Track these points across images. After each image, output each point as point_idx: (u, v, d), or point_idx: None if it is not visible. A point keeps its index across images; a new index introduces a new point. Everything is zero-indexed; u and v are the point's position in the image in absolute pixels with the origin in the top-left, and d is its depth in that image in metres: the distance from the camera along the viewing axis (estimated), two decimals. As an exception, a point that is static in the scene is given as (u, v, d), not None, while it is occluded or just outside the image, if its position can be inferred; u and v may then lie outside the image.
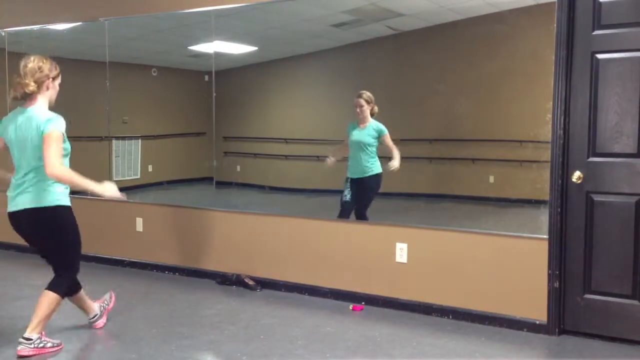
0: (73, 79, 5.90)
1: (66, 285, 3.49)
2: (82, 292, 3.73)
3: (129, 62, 5.86)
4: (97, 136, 5.75)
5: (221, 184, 5.27)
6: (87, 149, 5.92)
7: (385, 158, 4.44)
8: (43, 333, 3.41)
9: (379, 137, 4.41)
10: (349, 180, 4.59)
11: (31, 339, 3.34)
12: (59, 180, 3.28)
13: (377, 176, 4.50)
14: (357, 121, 4.49)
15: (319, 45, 5.01)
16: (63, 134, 3.29)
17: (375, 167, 4.49)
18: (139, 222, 5.46)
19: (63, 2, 5.75)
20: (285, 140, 5.13)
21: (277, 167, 5.23)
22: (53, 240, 3.43)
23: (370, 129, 4.44)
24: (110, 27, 5.52)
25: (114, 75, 5.62)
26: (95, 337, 3.71)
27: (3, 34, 6.03)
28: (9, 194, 3.39)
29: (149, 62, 5.79)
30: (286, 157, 5.14)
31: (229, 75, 5.21)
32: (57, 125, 3.25)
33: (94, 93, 5.71)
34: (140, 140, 5.74)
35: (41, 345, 3.37)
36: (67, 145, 3.38)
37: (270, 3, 4.69)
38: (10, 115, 3.41)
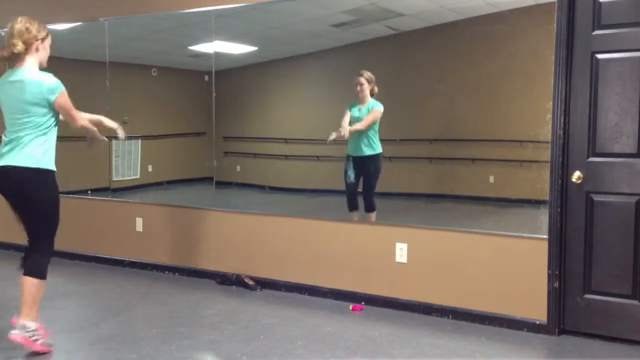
0: (73, 79, 5.91)
1: (45, 268, 3.41)
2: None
3: (129, 62, 5.86)
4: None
5: (221, 184, 5.27)
6: (87, 148, 5.92)
7: (387, 141, 4.44)
8: (41, 326, 3.38)
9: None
10: (350, 159, 4.58)
11: (28, 328, 3.31)
12: (85, 125, 3.50)
13: (377, 156, 4.50)
14: (358, 101, 4.50)
15: (319, 45, 5.01)
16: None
17: (376, 146, 4.48)
18: (139, 222, 5.46)
19: (63, 2, 5.75)
20: (285, 140, 5.13)
21: (277, 167, 5.22)
22: (37, 203, 3.37)
23: (368, 107, 4.46)
24: (110, 27, 5.52)
25: (114, 75, 5.62)
26: (96, 337, 3.71)
27: (3, 34, 6.03)
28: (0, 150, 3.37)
29: (149, 62, 5.78)
30: (286, 157, 5.14)
31: (229, 75, 5.21)
32: (58, 86, 3.31)
33: (94, 93, 5.70)
34: (140, 140, 5.74)
35: (34, 338, 3.33)
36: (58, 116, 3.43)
37: (270, 3, 4.69)
38: (2, 77, 3.40)
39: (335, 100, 4.82)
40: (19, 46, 3.29)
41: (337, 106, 4.70)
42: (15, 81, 3.30)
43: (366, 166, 4.56)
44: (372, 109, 4.41)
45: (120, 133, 3.76)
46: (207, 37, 5.11)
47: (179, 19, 5.19)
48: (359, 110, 4.51)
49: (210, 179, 5.26)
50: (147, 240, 5.44)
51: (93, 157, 5.85)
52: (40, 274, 3.39)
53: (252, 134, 5.39)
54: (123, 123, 5.68)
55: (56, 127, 3.42)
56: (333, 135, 4.52)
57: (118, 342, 3.62)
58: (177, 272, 5.26)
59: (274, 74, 5.20)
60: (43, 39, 3.40)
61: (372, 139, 4.47)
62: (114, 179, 5.69)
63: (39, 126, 3.31)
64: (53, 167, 3.39)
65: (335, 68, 4.89)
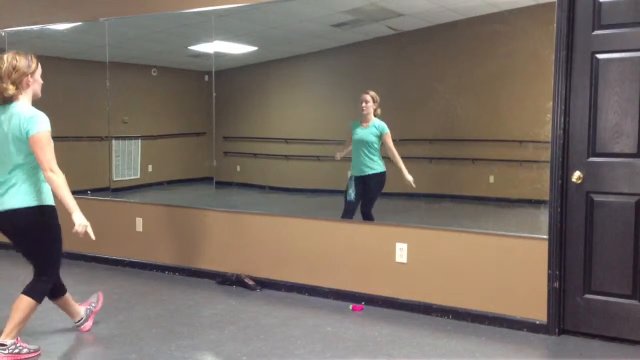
0: (73, 79, 5.93)
1: (44, 291, 3.40)
2: (67, 295, 3.66)
3: (129, 62, 5.86)
4: (97, 136, 5.74)
5: (221, 184, 5.27)
6: (87, 149, 5.93)
7: (387, 159, 4.45)
8: (19, 339, 3.34)
9: (380, 135, 4.42)
10: (352, 178, 4.59)
11: (5, 345, 3.27)
12: (52, 186, 3.23)
13: (381, 175, 4.50)
14: (361, 119, 4.50)
15: (319, 45, 5.01)
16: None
17: (378, 165, 4.49)
18: (139, 222, 5.46)
19: (63, 2, 5.75)
20: (286, 140, 5.13)
21: (277, 167, 5.22)
22: (37, 241, 3.35)
23: (372, 128, 4.45)
24: (110, 27, 5.52)
25: (114, 75, 5.62)
26: (96, 337, 3.71)
27: (3, 34, 6.03)
28: None
29: (149, 62, 5.78)
30: (286, 157, 5.14)
31: (229, 75, 5.21)
32: (42, 124, 3.18)
33: (94, 93, 5.70)
34: (140, 140, 5.74)
35: (16, 351, 3.29)
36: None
37: (270, 3, 4.69)
38: None
39: (335, 100, 4.82)
40: (10, 90, 3.21)
41: (337, 106, 4.70)
42: (7, 118, 3.23)
43: (370, 185, 4.56)
44: (384, 133, 4.41)
45: (90, 232, 3.35)
46: (207, 37, 5.11)
47: (179, 19, 5.19)
48: (362, 129, 4.50)
49: (210, 179, 5.26)
50: (147, 240, 5.44)
51: (93, 157, 5.85)
52: (37, 295, 3.35)
53: (252, 134, 5.39)
54: (123, 123, 5.72)
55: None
56: (339, 155, 4.64)
57: (118, 342, 3.62)
58: (177, 272, 5.26)
59: (274, 74, 5.20)
60: (32, 73, 3.30)
61: (375, 158, 4.47)
62: (114, 179, 5.69)
63: (32, 164, 3.25)
64: (53, 202, 3.36)
65: (335, 68, 4.89)
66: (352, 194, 4.58)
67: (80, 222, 3.24)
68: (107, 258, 5.63)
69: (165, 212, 5.36)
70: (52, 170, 3.18)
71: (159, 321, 4.01)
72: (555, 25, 3.64)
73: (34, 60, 3.33)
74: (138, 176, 5.77)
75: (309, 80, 5.10)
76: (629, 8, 3.49)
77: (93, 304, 3.93)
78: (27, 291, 3.34)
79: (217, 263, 5.05)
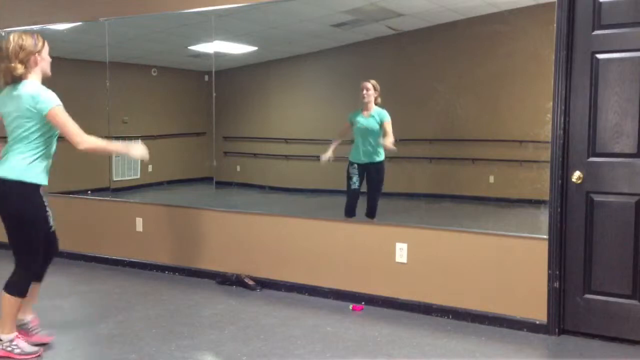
0: (73, 79, 5.92)
1: (21, 285, 3.31)
2: (36, 285, 3.51)
3: (129, 62, 5.86)
4: (97, 136, 5.74)
5: (221, 184, 5.27)
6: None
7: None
8: (19, 336, 3.33)
9: (381, 123, 4.43)
10: (355, 166, 4.59)
11: (1, 340, 3.28)
12: (94, 151, 3.37)
13: (383, 163, 4.52)
14: (361, 108, 4.51)
15: (319, 45, 5.01)
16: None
17: (382, 154, 4.50)
18: (139, 222, 5.46)
19: (63, 2, 5.75)
20: (286, 140, 5.13)
21: (277, 167, 5.22)
22: (13, 216, 3.30)
23: (375, 116, 4.47)
24: (110, 27, 5.52)
25: (114, 75, 5.63)
26: (96, 337, 3.71)
27: (3, 34, 6.03)
28: None
29: (149, 62, 5.78)
30: (286, 157, 5.14)
31: (229, 75, 5.21)
32: (51, 100, 3.22)
33: (94, 93, 5.70)
34: (140, 140, 5.73)
35: (9, 349, 3.29)
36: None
37: (270, 3, 4.69)
38: (5, 90, 3.35)
39: (335, 100, 4.82)
40: (19, 69, 3.24)
41: (337, 106, 4.70)
42: (14, 95, 3.28)
43: (373, 173, 4.56)
44: (385, 120, 4.42)
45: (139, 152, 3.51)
46: (207, 37, 5.11)
47: (179, 19, 5.19)
48: (366, 119, 4.50)
49: (210, 179, 5.26)
50: (147, 240, 5.43)
51: (93, 157, 5.84)
52: (13, 290, 3.28)
53: (252, 134, 5.39)
54: (123, 123, 5.72)
55: (50, 142, 3.35)
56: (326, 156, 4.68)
57: (118, 342, 3.62)
58: (177, 272, 5.26)
59: (274, 74, 5.20)
60: (40, 51, 3.33)
61: (379, 146, 4.48)
62: (114, 179, 5.69)
63: (31, 139, 3.26)
64: (38, 181, 3.30)
65: (335, 68, 4.89)
66: (357, 182, 4.58)
67: (139, 153, 3.45)
68: (107, 258, 5.63)
69: (165, 212, 5.36)
70: (81, 141, 3.24)
71: (159, 321, 4.01)
72: (555, 25, 3.64)
73: (40, 39, 3.36)
74: (138, 176, 5.76)
75: (309, 80, 5.10)
76: (629, 8, 3.49)
77: (11, 344, 3.40)
78: (5, 286, 3.30)
79: (217, 263, 5.05)
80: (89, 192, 5.83)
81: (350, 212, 4.59)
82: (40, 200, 3.33)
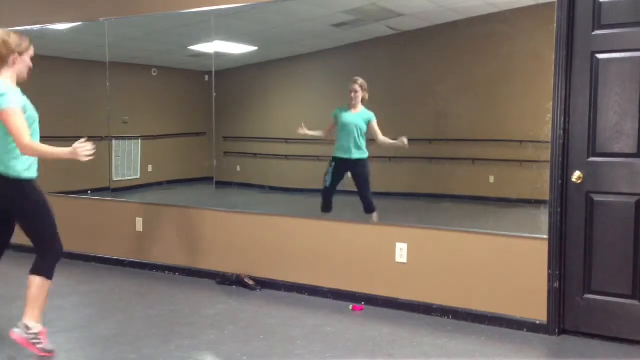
0: (73, 79, 5.92)
1: (50, 266, 3.39)
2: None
3: (129, 62, 5.86)
4: (97, 136, 5.74)
5: (221, 184, 5.27)
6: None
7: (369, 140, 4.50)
8: (43, 331, 3.37)
9: (368, 122, 4.48)
10: (332, 164, 4.64)
11: (29, 328, 3.32)
12: (33, 155, 3.27)
13: (367, 160, 4.56)
14: (348, 106, 4.55)
15: (319, 45, 5.01)
16: (22, 107, 3.21)
17: (365, 151, 4.55)
18: (139, 222, 5.46)
19: (63, 2, 5.75)
20: (286, 140, 5.13)
21: (277, 167, 5.22)
22: (20, 215, 3.36)
23: (362, 113, 4.51)
24: (110, 27, 5.52)
25: (114, 75, 5.62)
26: (96, 337, 3.71)
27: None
28: None
29: (149, 62, 5.78)
30: (286, 157, 5.14)
31: (229, 75, 5.21)
32: (8, 100, 3.17)
33: (94, 93, 5.70)
34: (140, 140, 5.74)
35: (32, 340, 3.33)
36: (31, 113, 3.31)
37: (270, 3, 4.69)
38: None
39: (335, 100, 4.81)
40: None
41: (337, 106, 4.69)
42: None
43: (357, 169, 4.58)
44: (372, 120, 4.48)
45: (86, 153, 3.37)
46: (207, 37, 5.11)
47: (179, 19, 5.19)
48: (352, 115, 4.54)
49: (210, 179, 5.26)
50: (147, 240, 5.43)
51: (93, 157, 5.84)
52: (43, 272, 3.37)
53: (252, 134, 5.39)
54: (123, 123, 5.72)
55: (33, 126, 3.32)
56: (306, 131, 4.75)
57: (118, 342, 3.62)
58: (177, 272, 5.26)
59: (274, 74, 5.20)
60: (22, 53, 3.30)
61: (364, 144, 4.51)
62: (114, 179, 5.69)
63: (8, 137, 3.24)
64: (29, 176, 3.33)
65: (335, 68, 4.89)
66: (328, 181, 4.64)
67: (71, 151, 3.25)
68: (107, 258, 5.63)
69: (165, 212, 5.35)
70: (21, 145, 3.17)
71: (159, 321, 4.01)
72: (555, 25, 3.64)
73: (26, 41, 3.34)
74: (138, 176, 5.77)
75: (309, 80, 5.10)
76: (629, 8, 3.49)
77: (37, 337, 3.44)
78: (33, 269, 3.37)
79: (217, 263, 5.05)
80: (89, 192, 5.83)
81: (327, 208, 4.69)
82: (37, 190, 3.36)
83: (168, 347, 3.52)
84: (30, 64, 3.39)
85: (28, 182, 3.34)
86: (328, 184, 4.66)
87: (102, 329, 3.85)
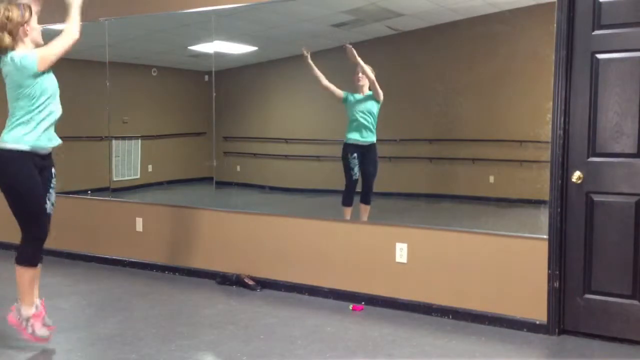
0: (73, 79, 5.91)
1: (28, 254, 3.37)
2: (36, 269, 3.48)
3: (129, 62, 5.86)
4: (97, 136, 5.75)
5: (221, 184, 5.27)
6: (87, 149, 5.93)
7: (387, 141, 4.51)
8: (38, 314, 3.39)
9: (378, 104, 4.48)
10: (355, 154, 4.56)
11: (22, 315, 3.36)
12: (78, 34, 3.49)
13: (376, 145, 4.54)
14: (357, 90, 4.54)
15: (319, 45, 5.01)
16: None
17: (375, 134, 4.52)
18: (139, 222, 5.46)
19: (63, 2, 5.74)
20: (286, 140, 5.13)
21: (277, 167, 5.23)
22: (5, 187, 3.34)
23: (370, 96, 4.49)
24: (110, 27, 5.52)
25: (114, 75, 5.62)
26: (96, 337, 3.71)
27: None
28: None
29: (149, 62, 5.78)
30: (286, 157, 5.14)
31: (229, 75, 5.21)
32: (33, 54, 3.26)
33: (94, 93, 5.70)
34: (140, 140, 5.74)
35: (23, 324, 3.36)
36: (53, 82, 3.37)
37: (270, 3, 4.69)
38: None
39: (335, 99, 4.81)
40: (6, 40, 3.27)
41: (337, 106, 4.70)
42: (8, 63, 3.29)
43: (370, 155, 4.54)
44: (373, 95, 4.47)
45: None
46: (207, 37, 5.11)
47: (179, 19, 5.19)
48: (364, 97, 4.51)
49: (210, 179, 5.26)
50: (147, 240, 5.44)
51: (93, 157, 5.85)
52: (21, 260, 3.36)
53: (252, 134, 5.39)
54: (123, 123, 5.72)
55: (56, 95, 3.37)
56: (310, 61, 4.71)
57: (118, 342, 3.62)
58: (177, 272, 5.26)
59: (274, 74, 5.20)
60: (27, 21, 3.35)
61: (374, 126, 4.48)
62: (114, 179, 5.69)
63: (24, 108, 3.28)
64: (14, 146, 3.26)
65: (335, 68, 4.89)
66: (357, 173, 4.57)
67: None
68: (107, 258, 5.63)
69: (165, 212, 5.36)
70: (73, 37, 3.45)
71: (159, 321, 4.01)
72: (555, 25, 3.64)
73: (27, 9, 3.38)
74: (138, 176, 5.77)
75: (309, 80, 5.10)
76: (629, 8, 3.49)
77: (28, 323, 3.47)
78: (15, 259, 3.38)
79: (217, 263, 5.05)
80: (89, 192, 5.83)
81: (350, 202, 4.59)
82: (22, 166, 3.29)
83: (168, 347, 3.52)
84: (39, 27, 3.45)
85: (11, 153, 3.27)
86: (357, 175, 4.58)
87: (102, 329, 3.85)
